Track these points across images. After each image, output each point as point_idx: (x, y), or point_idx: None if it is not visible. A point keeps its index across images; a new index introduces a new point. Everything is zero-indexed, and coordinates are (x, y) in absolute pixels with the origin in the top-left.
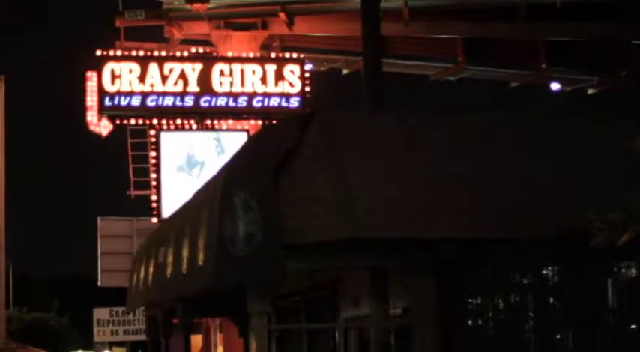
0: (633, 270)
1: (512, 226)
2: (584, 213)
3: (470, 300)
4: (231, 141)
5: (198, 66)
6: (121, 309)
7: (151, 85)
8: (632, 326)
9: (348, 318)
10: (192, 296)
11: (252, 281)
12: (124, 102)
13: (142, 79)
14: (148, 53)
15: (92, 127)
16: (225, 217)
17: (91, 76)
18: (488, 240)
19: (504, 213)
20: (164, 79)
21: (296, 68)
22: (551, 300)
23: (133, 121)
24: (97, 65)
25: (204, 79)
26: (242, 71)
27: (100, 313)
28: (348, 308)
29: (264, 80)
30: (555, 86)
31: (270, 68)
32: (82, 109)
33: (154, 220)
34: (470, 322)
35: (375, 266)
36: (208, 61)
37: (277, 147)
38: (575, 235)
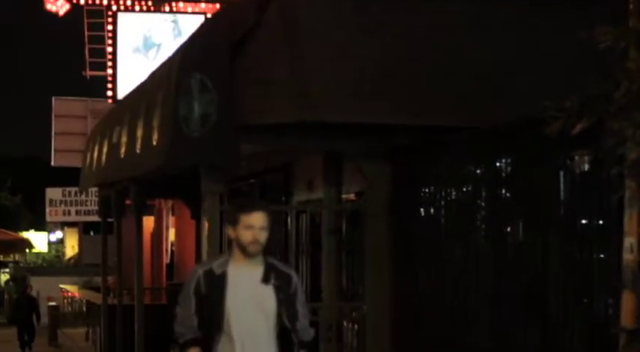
0: (586, 159)
1: (468, 114)
2: (540, 102)
3: (423, 188)
4: (188, 23)
5: None
6: (73, 189)
7: None
8: (583, 221)
9: (301, 202)
10: (145, 176)
11: (206, 161)
12: None
13: None
14: None
15: (49, 6)
16: (181, 97)
17: None
18: (444, 128)
19: (461, 100)
20: None
21: None
22: (504, 191)
23: (90, 1)
24: None
25: None
26: None
27: (53, 193)
28: (302, 191)
29: None
30: None
31: None
32: None
33: (109, 101)
34: (422, 210)
35: (330, 150)
36: None
37: (234, 28)
38: (529, 124)
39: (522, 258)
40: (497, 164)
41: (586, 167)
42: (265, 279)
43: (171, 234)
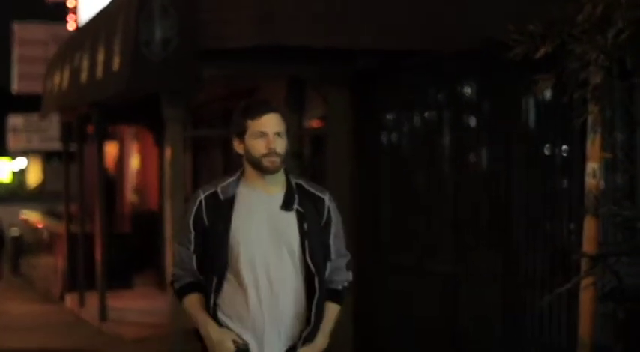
0: (549, 83)
1: (430, 38)
2: (503, 25)
3: (385, 114)
4: None
5: None
6: (36, 116)
7: None
8: (547, 145)
9: None
10: (106, 101)
11: (167, 86)
12: None
13: None
14: None
15: None
16: (142, 22)
17: None
18: (406, 52)
19: (423, 25)
20: None
21: None
22: (467, 117)
23: None
24: None
25: None
26: None
27: (15, 120)
28: None
29: None
30: None
31: None
32: None
33: (71, 27)
34: (384, 136)
35: (293, 75)
36: None
37: None
38: (493, 48)
39: (485, 184)
40: (460, 89)
41: (549, 92)
42: (286, 204)
43: (135, 161)
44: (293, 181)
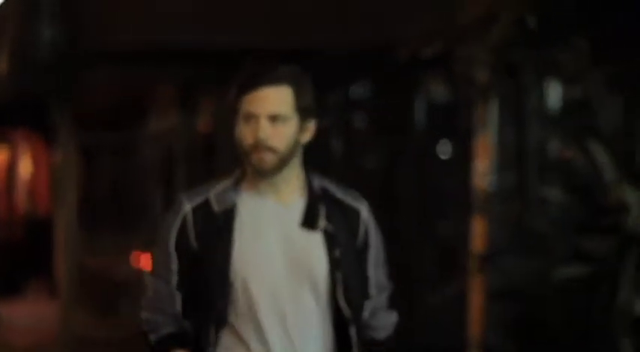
0: (438, 83)
1: (321, 38)
2: (392, 26)
3: None
4: None
5: None
6: None
7: None
8: (436, 143)
9: (157, 132)
10: None
11: (55, 89)
12: None
13: None
14: None
15: None
16: (30, 25)
17: None
18: (296, 52)
19: (315, 25)
20: None
21: None
22: (360, 117)
23: None
24: None
25: None
26: None
27: None
28: (157, 121)
29: None
30: None
31: None
32: None
33: None
34: None
35: (184, 78)
36: None
37: None
38: (382, 48)
39: (377, 182)
40: (353, 90)
41: (439, 91)
42: (309, 219)
43: (26, 165)
44: (317, 184)
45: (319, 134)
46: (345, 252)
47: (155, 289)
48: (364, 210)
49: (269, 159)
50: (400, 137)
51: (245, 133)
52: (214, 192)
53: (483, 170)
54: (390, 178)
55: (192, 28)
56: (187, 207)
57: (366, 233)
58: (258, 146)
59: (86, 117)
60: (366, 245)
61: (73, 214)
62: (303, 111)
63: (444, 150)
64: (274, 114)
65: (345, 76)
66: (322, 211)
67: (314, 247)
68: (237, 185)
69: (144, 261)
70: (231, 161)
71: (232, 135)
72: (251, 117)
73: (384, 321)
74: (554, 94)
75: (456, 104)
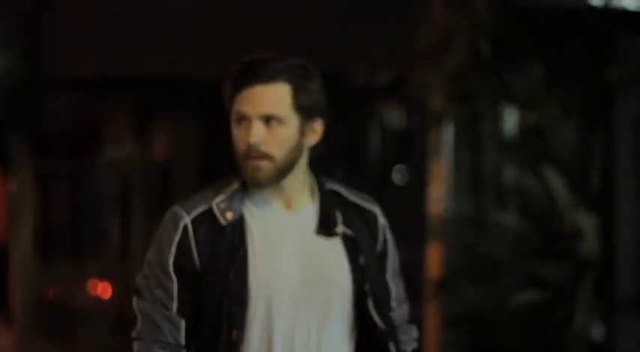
0: (393, 109)
1: None
2: (345, 52)
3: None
4: None
5: None
6: None
7: None
8: (393, 171)
9: (113, 159)
10: None
11: (11, 116)
12: None
13: None
14: None
15: None
16: None
17: None
18: None
19: (267, 51)
20: None
21: None
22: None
23: None
24: None
25: None
26: None
27: None
28: (113, 148)
29: None
30: None
31: None
32: None
33: None
34: (231, 164)
35: (140, 106)
36: None
37: None
38: (336, 74)
39: None
40: None
41: (394, 117)
42: (325, 224)
43: None
44: (326, 186)
45: None
46: (369, 260)
47: (150, 317)
48: (380, 213)
49: (264, 167)
50: (355, 163)
51: (237, 137)
52: (217, 202)
53: (439, 196)
54: None
55: (148, 56)
56: (186, 218)
57: (385, 239)
58: (251, 152)
59: (42, 144)
60: (384, 252)
61: (29, 242)
62: (306, 111)
63: (399, 176)
64: (268, 114)
65: None
66: (338, 215)
67: (334, 255)
68: (243, 192)
69: (101, 289)
70: (187, 188)
71: (187, 162)
72: (243, 119)
73: (410, 335)
74: (509, 120)
75: (411, 130)
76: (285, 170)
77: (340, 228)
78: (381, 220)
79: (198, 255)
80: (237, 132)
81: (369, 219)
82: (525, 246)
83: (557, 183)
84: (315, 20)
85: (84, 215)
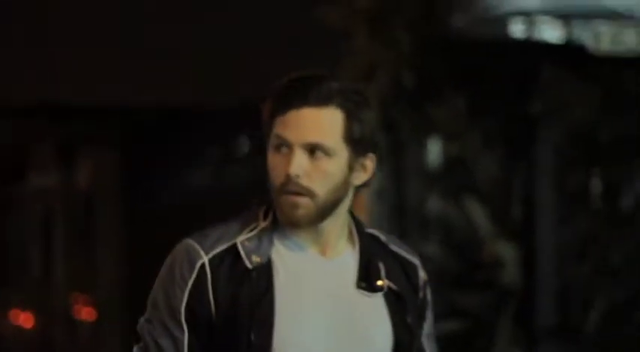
0: None
1: (203, 94)
2: (268, 81)
3: (157, 170)
4: None
5: None
6: None
7: None
8: None
9: (36, 189)
10: None
11: None
12: None
13: None
14: None
15: None
16: None
17: None
18: (175, 110)
19: (195, 81)
20: None
21: None
22: (239, 171)
23: None
24: None
25: None
26: None
27: None
28: (36, 178)
29: None
30: None
31: None
32: None
33: None
34: (156, 194)
35: (64, 135)
36: None
37: None
38: (258, 107)
39: None
40: (232, 145)
41: None
42: (367, 277)
43: None
44: (365, 231)
45: (198, 191)
46: (414, 319)
47: None
48: (420, 266)
49: (304, 204)
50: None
51: (274, 166)
52: (242, 240)
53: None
54: None
55: (73, 86)
56: (204, 257)
57: (425, 296)
58: (290, 185)
59: None
60: (423, 308)
61: None
62: (357, 144)
63: None
64: (314, 143)
65: (228, 131)
66: (381, 266)
67: (375, 312)
68: (270, 231)
69: (23, 319)
70: (111, 220)
71: (111, 193)
72: (282, 146)
73: None
74: (432, 151)
75: None
76: (327, 210)
77: (384, 283)
78: (422, 274)
79: (215, 301)
80: (274, 160)
81: (410, 271)
82: (446, 276)
83: (478, 213)
84: (238, 51)
85: (6, 244)
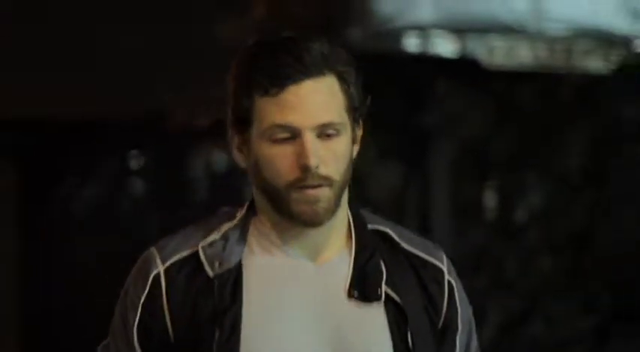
0: (214, 153)
1: (98, 108)
2: (167, 94)
3: (55, 186)
4: None
5: None
6: None
7: None
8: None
9: None
10: None
11: None
12: None
13: None
14: None
15: None
16: None
17: None
18: (72, 124)
19: (89, 94)
20: None
21: None
22: (137, 187)
23: None
24: None
25: None
26: None
27: None
28: None
29: None
30: None
31: None
32: None
33: None
34: (55, 210)
35: None
36: None
37: None
38: (158, 116)
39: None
40: (130, 160)
41: (216, 161)
42: (361, 285)
43: None
44: (371, 226)
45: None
46: (422, 336)
47: None
48: (447, 269)
49: (324, 196)
50: (178, 207)
51: (278, 160)
52: (205, 244)
53: None
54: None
55: None
56: (160, 266)
57: (452, 305)
58: (308, 179)
59: None
60: (450, 324)
61: None
62: (356, 113)
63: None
64: (326, 123)
65: (121, 145)
66: (382, 270)
67: (372, 328)
68: (242, 231)
69: None
70: (4, 234)
71: (6, 211)
72: (284, 134)
73: None
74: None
75: (233, 175)
76: (340, 198)
77: (384, 289)
78: (449, 278)
79: (171, 317)
80: (273, 152)
81: (430, 276)
82: None
83: None
84: (133, 60)
85: None
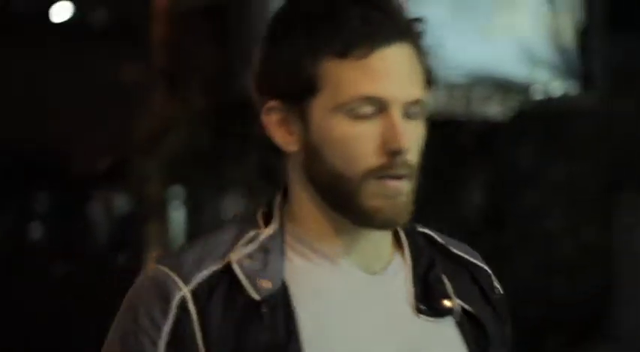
0: (114, 196)
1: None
2: (69, 137)
3: None
4: None
5: None
6: None
7: None
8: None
9: None
10: None
11: None
12: None
13: None
14: None
15: None
16: None
17: None
18: None
19: None
20: None
21: None
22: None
23: None
24: None
25: None
26: None
27: None
28: None
29: None
30: None
31: None
32: None
33: None
34: None
35: None
36: None
37: None
38: (59, 159)
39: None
40: (31, 200)
41: (115, 204)
42: (428, 297)
43: None
44: (417, 228)
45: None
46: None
47: None
48: (492, 273)
49: (405, 190)
50: (79, 249)
51: (354, 144)
52: (239, 257)
53: None
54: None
55: None
56: (183, 288)
57: (507, 319)
58: (396, 166)
59: None
60: (500, 329)
61: None
62: (428, 86)
63: (123, 263)
64: (416, 100)
65: (23, 186)
66: (443, 280)
67: (447, 347)
68: (280, 241)
69: None
70: None
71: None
72: (368, 109)
73: None
74: (228, 206)
75: (133, 217)
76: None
77: (453, 302)
78: (498, 286)
79: (206, 348)
80: (357, 132)
81: (487, 283)
82: None
83: None
84: (32, 104)
85: None
